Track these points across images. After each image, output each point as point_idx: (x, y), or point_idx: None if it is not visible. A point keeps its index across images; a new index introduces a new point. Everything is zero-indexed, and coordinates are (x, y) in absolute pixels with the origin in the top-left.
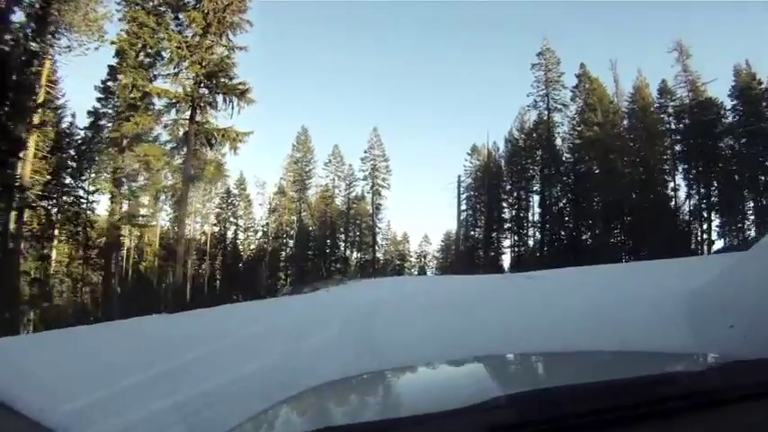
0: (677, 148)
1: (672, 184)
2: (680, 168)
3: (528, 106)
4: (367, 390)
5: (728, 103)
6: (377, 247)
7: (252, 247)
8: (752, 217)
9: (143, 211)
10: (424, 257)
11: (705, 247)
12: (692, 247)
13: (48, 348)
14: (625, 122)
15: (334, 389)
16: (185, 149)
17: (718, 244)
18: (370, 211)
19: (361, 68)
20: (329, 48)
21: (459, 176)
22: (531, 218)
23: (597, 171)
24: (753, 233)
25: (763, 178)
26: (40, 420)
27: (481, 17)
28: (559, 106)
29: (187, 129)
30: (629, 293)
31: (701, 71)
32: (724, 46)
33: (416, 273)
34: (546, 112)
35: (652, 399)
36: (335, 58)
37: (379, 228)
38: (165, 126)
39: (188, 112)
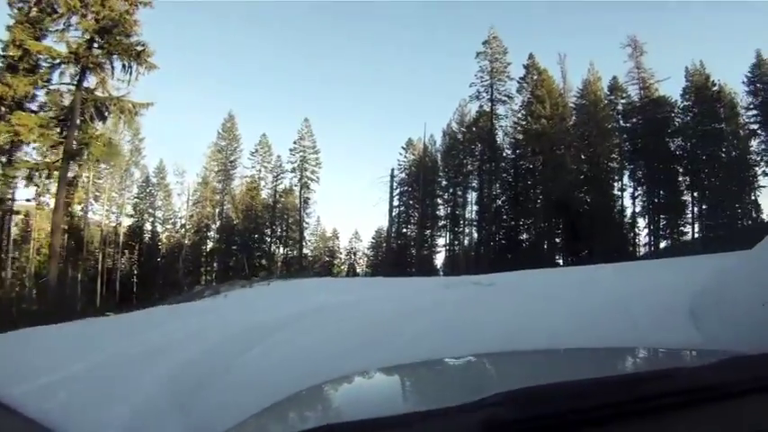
0: (627, 146)
1: (619, 184)
2: (629, 167)
3: (470, 97)
4: (365, 387)
5: (680, 103)
6: (304, 243)
7: (172, 240)
8: (693, 218)
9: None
10: (354, 255)
11: (650, 249)
12: (636, 249)
13: None
14: (573, 119)
15: (332, 387)
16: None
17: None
18: (298, 204)
19: (293, 56)
20: (262, 34)
21: (393, 170)
22: (467, 216)
23: (542, 167)
24: (695, 234)
25: (713, 179)
26: (40, 420)
27: (423, 4)
28: (504, 98)
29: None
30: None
31: (656, 69)
32: (678, 45)
33: (346, 270)
34: (489, 104)
35: (650, 395)
36: (268, 45)
37: (308, 223)
38: (48, 92)
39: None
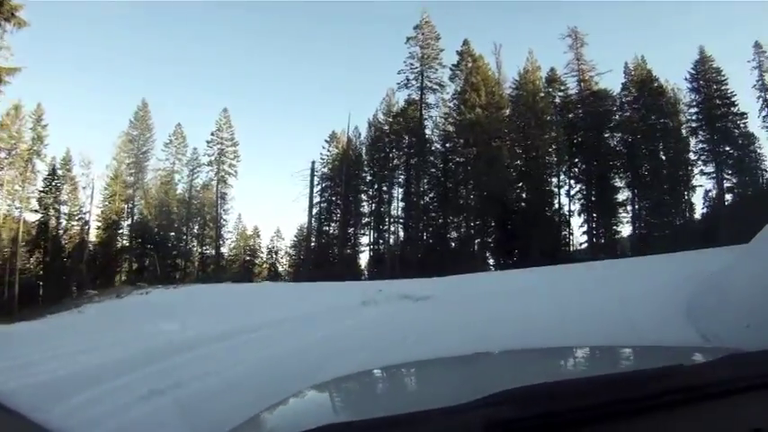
0: (565, 140)
1: (556, 180)
2: (567, 163)
3: (398, 84)
4: (366, 387)
5: (622, 97)
6: (222, 242)
7: (76, 238)
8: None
9: None
10: (276, 254)
11: (587, 248)
12: (570, 248)
13: None
14: (509, 111)
15: (333, 386)
16: None
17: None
18: (215, 200)
19: (213, 43)
20: (181, 19)
21: (313, 163)
22: (393, 213)
23: (475, 160)
24: (629, 233)
25: (653, 178)
26: (40, 421)
27: None
28: (435, 87)
29: None
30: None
31: (598, 62)
32: (621, 40)
33: (267, 270)
34: (419, 93)
35: (649, 393)
36: (187, 31)
37: (225, 220)
38: None
39: None
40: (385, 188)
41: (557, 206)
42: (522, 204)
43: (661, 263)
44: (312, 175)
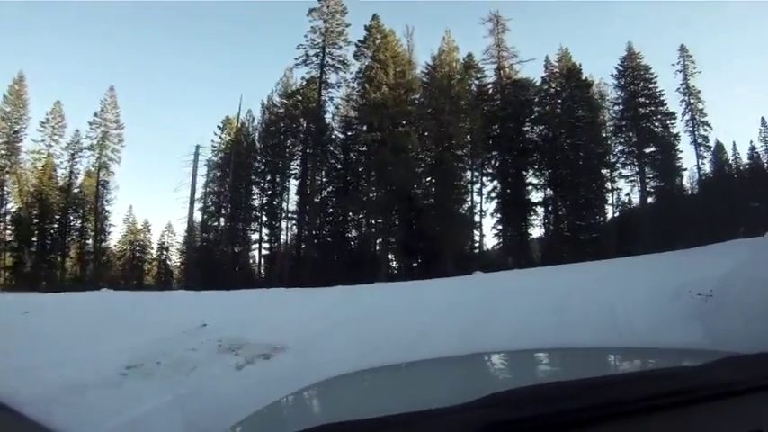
0: (479, 129)
1: (471, 175)
2: (483, 156)
3: (296, 60)
4: (365, 386)
5: (544, 88)
6: (104, 236)
7: None
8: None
9: None
10: (167, 250)
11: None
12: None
13: None
14: (419, 94)
15: (333, 386)
16: None
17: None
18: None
19: (100, 19)
20: None
21: (198, 147)
22: (287, 207)
23: (379, 147)
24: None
25: (573, 177)
26: (41, 421)
27: None
28: (338, 65)
29: None
30: None
31: (521, 50)
32: (546, 28)
33: (156, 267)
34: (319, 70)
35: (650, 394)
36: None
37: (108, 211)
38: None
39: None
40: (279, 179)
41: (469, 203)
42: (432, 201)
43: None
44: (195, 162)
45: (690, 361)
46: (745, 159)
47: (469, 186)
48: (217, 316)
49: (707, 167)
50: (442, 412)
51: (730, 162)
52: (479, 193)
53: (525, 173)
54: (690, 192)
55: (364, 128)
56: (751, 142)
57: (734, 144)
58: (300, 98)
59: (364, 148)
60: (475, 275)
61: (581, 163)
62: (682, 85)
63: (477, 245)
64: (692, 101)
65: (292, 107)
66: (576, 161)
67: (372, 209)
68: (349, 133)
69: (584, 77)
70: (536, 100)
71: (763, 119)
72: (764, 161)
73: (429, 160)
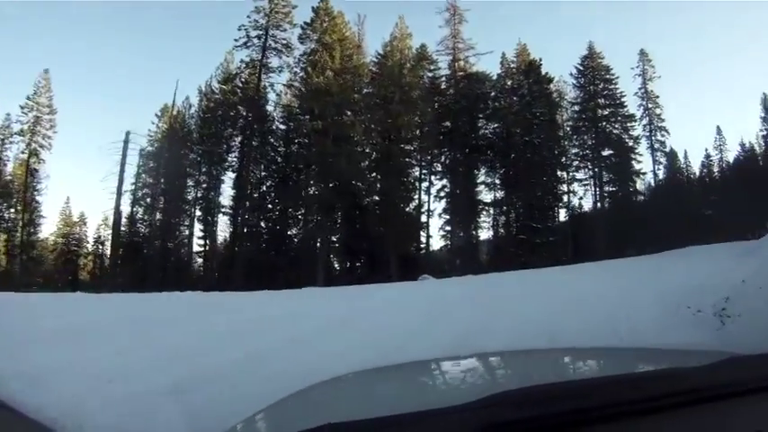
0: (430, 123)
1: (420, 171)
2: (433, 153)
3: (236, 41)
4: (365, 387)
5: (501, 82)
6: (36, 228)
7: None
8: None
9: None
10: (102, 244)
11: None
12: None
13: None
14: (367, 80)
15: (333, 386)
16: None
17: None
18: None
19: None
20: None
21: (128, 134)
22: (223, 202)
23: (321, 137)
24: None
25: (527, 177)
26: (41, 421)
27: None
28: (281, 48)
29: None
30: None
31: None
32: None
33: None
34: (261, 53)
35: (651, 395)
36: None
37: (39, 201)
38: None
39: None
40: (215, 172)
41: (416, 202)
42: (377, 198)
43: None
44: (125, 150)
45: (692, 361)
46: (698, 167)
47: (417, 184)
48: None
49: (664, 173)
50: (441, 413)
51: (682, 169)
52: (428, 191)
53: (477, 171)
54: (644, 197)
55: (306, 117)
56: (706, 150)
57: (685, 152)
58: (240, 83)
59: (305, 140)
60: (422, 281)
61: (536, 163)
62: (640, 89)
63: (423, 246)
64: (649, 105)
65: (230, 93)
66: (532, 160)
67: (312, 205)
68: (291, 124)
69: (543, 73)
70: (492, 95)
71: (718, 127)
72: (717, 169)
73: (375, 154)
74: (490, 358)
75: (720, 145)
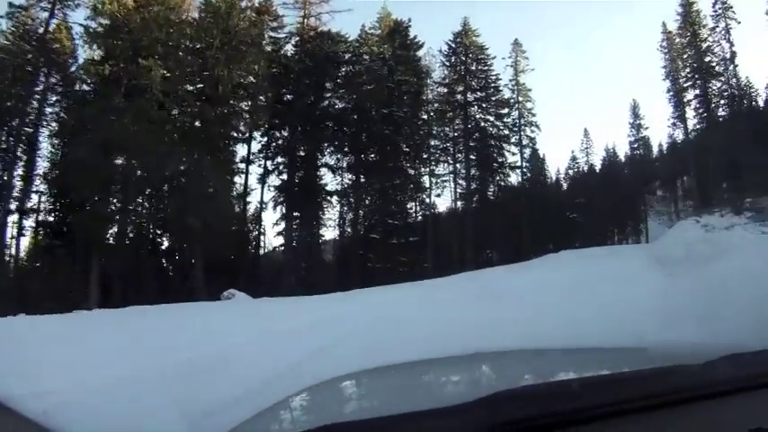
0: (263, 87)
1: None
2: (265, 127)
3: None
4: (369, 387)
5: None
6: None
7: None
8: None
9: None
10: None
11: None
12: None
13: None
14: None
15: (335, 386)
16: None
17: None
18: None
19: None
20: None
21: None
22: None
23: (107, 86)
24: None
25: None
26: (41, 421)
27: None
28: None
29: None
30: None
31: None
32: None
33: None
34: None
35: (651, 392)
36: None
37: None
38: None
39: None
40: None
41: (243, 188)
42: (183, 180)
43: None
44: None
45: (691, 359)
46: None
47: (246, 167)
48: None
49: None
50: (441, 412)
51: (546, 169)
52: (262, 179)
53: (320, 154)
54: (511, 197)
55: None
56: (572, 152)
57: (543, 155)
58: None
59: (90, 88)
60: (219, 303)
61: (396, 143)
62: (511, 80)
63: (254, 245)
64: (520, 98)
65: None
66: (391, 140)
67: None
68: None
69: (412, 36)
70: (346, 58)
71: (586, 129)
72: (583, 172)
73: (185, 119)
74: (491, 357)
75: (587, 148)
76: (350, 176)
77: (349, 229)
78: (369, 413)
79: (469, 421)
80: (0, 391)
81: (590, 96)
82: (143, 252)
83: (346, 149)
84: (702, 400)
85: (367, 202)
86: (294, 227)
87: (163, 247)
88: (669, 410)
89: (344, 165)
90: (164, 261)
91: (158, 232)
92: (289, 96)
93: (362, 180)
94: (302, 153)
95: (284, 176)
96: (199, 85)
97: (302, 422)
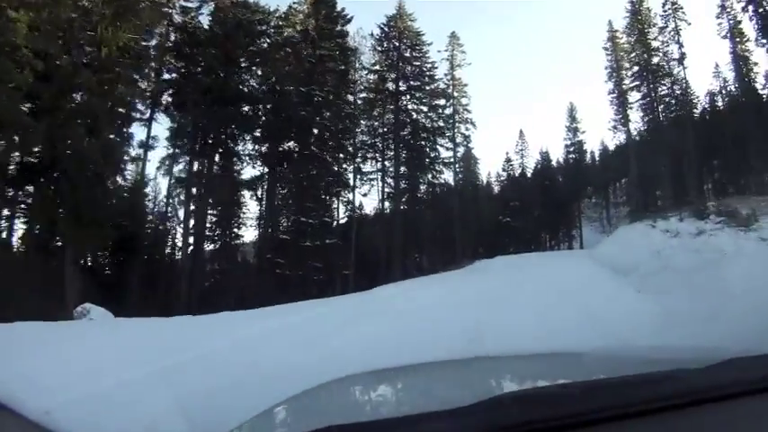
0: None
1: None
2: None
3: None
4: (369, 389)
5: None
6: None
7: None
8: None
9: None
10: None
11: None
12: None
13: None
14: None
15: (335, 388)
16: None
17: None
18: None
19: None
20: None
21: None
22: None
23: None
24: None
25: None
26: (41, 421)
27: None
28: None
29: None
30: None
31: None
32: None
33: None
34: None
35: (651, 396)
36: None
37: None
38: None
39: None
40: None
41: (133, 174)
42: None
43: None
44: None
45: (693, 363)
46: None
47: (143, 152)
48: None
49: (461, 171)
50: (444, 415)
51: (477, 172)
52: (167, 165)
53: (232, 141)
54: (443, 198)
55: None
56: (507, 153)
57: (477, 159)
58: None
59: None
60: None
61: (316, 127)
62: (447, 75)
63: (156, 246)
64: (455, 94)
65: None
66: (310, 122)
67: None
68: None
69: (339, 9)
70: (262, 29)
71: (521, 131)
72: (517, 174)
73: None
74: (491, 361)
75: (522, 150)
76: (262, 167)
77: (265, 230)
78: (369, 415)
79: (471, 424)
80: (0, 392)
81: (530, 97)
82: None
83: (259, 135)
84: (704, 403)
85: (280, 197)
86: (210, 225)
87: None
88: (670, 414)
89: (258, 154)
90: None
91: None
92: (199, 71)
93: (279, 170)
94: (211, 139)
95: (196, 166)
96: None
97: (303, 424)
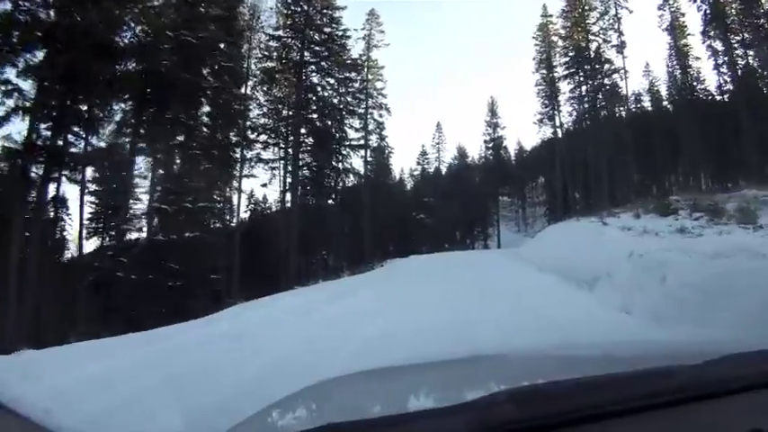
0: None
1: None
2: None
3: None
4: (366, 387)
5: None
6: None
7: None
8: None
9: None
10: None
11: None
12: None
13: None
14: None
15: (333, 387)
16: None
17: None
18: None
19: None
20: None
21: None
22: None
23: None
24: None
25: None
26: (41, 421)
27: None
28: None
29: None
30: None
31: None
32: None
33: None
34: None
35: (649, 392)
36: None
37: None
38: None
39: None
40: None
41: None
42: None
43: None
44: None
45: (689, 359)
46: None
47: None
48: None
49: (372, 164)
50: (442, 412)
51: (390, 165)
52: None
53: (84, 99)
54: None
55: None
56: (423, 146)
57: (391, 149)
58: None
59: None
60: None
61: (196, 88)
62: (362, 55)
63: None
64: (370, 76)
65: None
66: (179, 82)
67: None
68: None
69: None
70: None
71: (438, 123)
72: (433, 169)
73: None
74: (490, 358)
75: (439, 143)
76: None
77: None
78: (367, 413)
79: (468, 421)
80: (1, 393)
81: (452, 88)
82: None
83: (120, 95)
84: (703, 399)
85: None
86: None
87: None
88: (669, 410)
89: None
90: None
91: None
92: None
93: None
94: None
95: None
96: None
97: (301, 422)
